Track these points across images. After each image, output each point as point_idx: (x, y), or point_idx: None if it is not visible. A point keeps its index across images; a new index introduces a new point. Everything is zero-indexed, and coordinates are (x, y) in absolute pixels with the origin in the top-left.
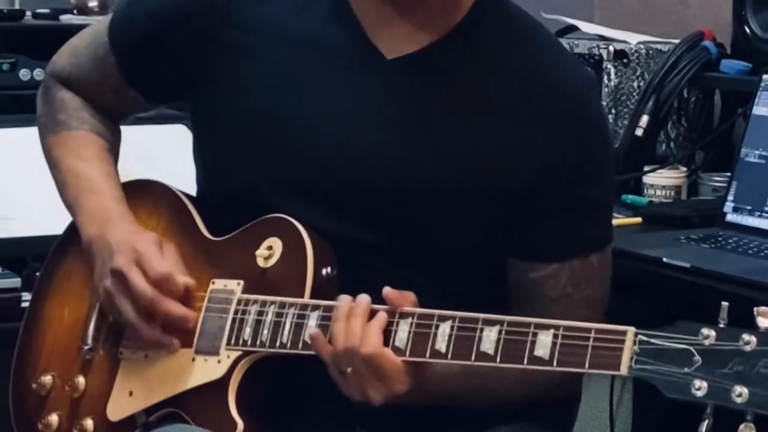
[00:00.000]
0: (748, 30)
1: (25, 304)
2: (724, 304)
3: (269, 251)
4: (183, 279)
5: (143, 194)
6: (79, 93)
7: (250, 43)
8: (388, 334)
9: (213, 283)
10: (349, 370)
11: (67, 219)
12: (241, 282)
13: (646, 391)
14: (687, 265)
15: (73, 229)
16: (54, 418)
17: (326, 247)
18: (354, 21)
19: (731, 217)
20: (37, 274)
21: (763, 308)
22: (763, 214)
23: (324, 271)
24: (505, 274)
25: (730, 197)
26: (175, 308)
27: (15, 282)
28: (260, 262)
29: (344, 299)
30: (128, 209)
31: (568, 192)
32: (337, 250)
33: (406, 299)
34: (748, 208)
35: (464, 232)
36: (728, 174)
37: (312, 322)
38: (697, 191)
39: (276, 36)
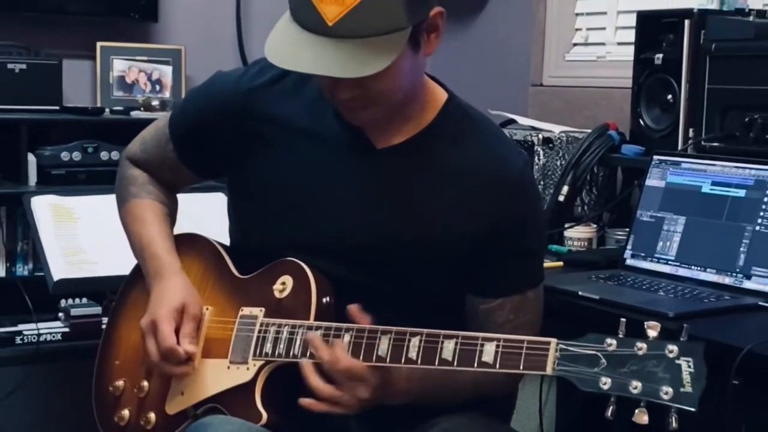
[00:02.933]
0: (642, 122)
1: (104, 326)
2: (623, 320)
3: (283, 286)
4: (186, 348)
5: (190, 244)
6: (146, 171)
7: (273, 134)
8: (371, 348)
9: (242, 310)
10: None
11: (133, 263)
12: (263, 309)
13: (567, 390)
14: (597, 297)
15: (137, 271)
16: (126, 413)
17: (326, 282)
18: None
19: (630, 262)
20: (114, 304)
21: (651, 322)
22: (653, 259)
23: (324, 300)
24: (461, 306)
25: (629, 247)
26: (175, 370)
27: (97, 310)
28: (276, 294)
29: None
30: (177, 258)
31: (511, 245)
32: (334, 286)
33: (363, 318)
34: (643, 254)
35: (431, 276)
36: (627, 229)
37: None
38: (605, 242)
39: (293, 129)
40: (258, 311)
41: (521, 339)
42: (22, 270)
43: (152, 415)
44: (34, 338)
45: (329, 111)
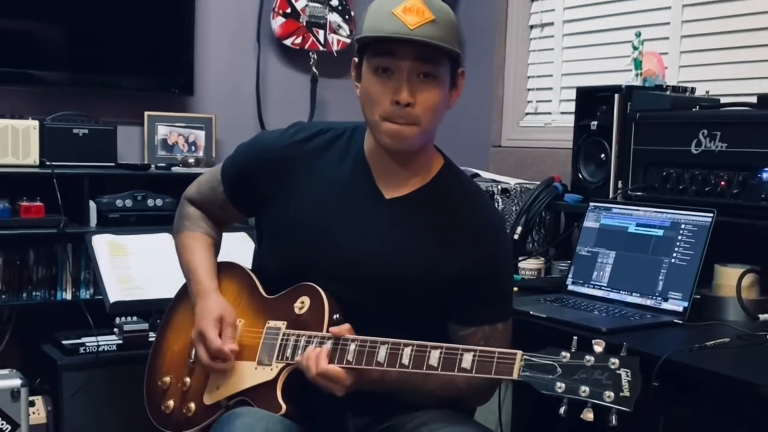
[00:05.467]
0: (580, 176)
1: (151, 339)
2: (575, 338)
3: (302, 304)
4: (229, 347)
5: (229, 270)
6: (200, 209)
7: (303, 181)
8: (371, 355)
9: (268, 323)
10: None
11: (174, 288)
12: (285, 322)
13: (522, 391)
14: (544, 315)
15: (183, 291)
16: (171, 403)
17: (336, 303)
18: (369, 173)
19: (571, 287)
20: (158, 321)
21: (598, 340)
22: (590, 286)
23: (335, 317)
24: (443, 331)
25: (570, 275)
26: (219, 366)
27: (144, 326)
28: (296, 311)
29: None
30: (215, 281)
31: (486, 284)
32: (343, 306)
33: (346, 330)
34: (581, 281)
35: (421, 303)
36: (569, 261)
37: (328, 346)
38: (551, 272)
39: (319, 179)
40: (281, 324)
41: (493, 350)
42: (85, 294)
43: (192, 405)
44: (94, 349)
45: (349, 167)
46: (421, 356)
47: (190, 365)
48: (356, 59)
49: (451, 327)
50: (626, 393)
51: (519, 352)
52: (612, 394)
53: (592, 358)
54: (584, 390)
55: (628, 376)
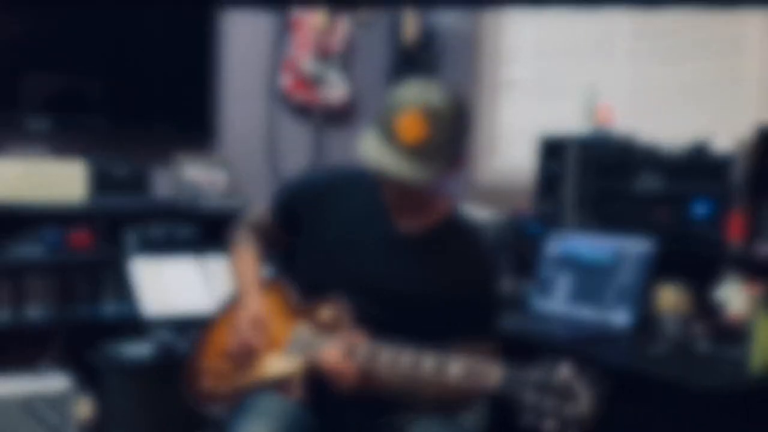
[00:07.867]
0: (542, 210)
1: (205, 328)
2: (551, 360)
3: (327, 313)
4: (255, 342)
5: (271, 283)
6: (253, 230)
7: (334, 211)
8: (377, 357)
9: (296, 325)
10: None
11: (199, 304)
12: (311, 326)
13: (494, 397)
14: (511, 328)
15: (231, 296)
16: (205, 380)
17: (355, 315)
18: (387, 212)
19: (534, 304)
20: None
21: (568, 363)
22: (550, 302)
23: (352, 327)
24: (440, 343)
25: (533, 294)
26: (245, 353)
27: (176, 336)
28: (321, 318)
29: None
30: (259, 286)
31: (476, 307)
32: (361, 317)
33: (360, 337)
34: (542, 299)
35: (424, 318)
36: (532, 281)
37: (342, 347)
38: (517, 290)
39: (349, 211)
40: (307, 327)
41: (477, 362)
42: (125, 309)
43: (224, 385)
44: (133, 356)
45: (372, 203)
46: (417, 361)
47: (228, 353)
48: None
49: (445, 340)
50: (585, 410)
51: (498, 366)
52: (574, 409)
53: (561, 378)
54: (550, 404)
55: (590, 396)
